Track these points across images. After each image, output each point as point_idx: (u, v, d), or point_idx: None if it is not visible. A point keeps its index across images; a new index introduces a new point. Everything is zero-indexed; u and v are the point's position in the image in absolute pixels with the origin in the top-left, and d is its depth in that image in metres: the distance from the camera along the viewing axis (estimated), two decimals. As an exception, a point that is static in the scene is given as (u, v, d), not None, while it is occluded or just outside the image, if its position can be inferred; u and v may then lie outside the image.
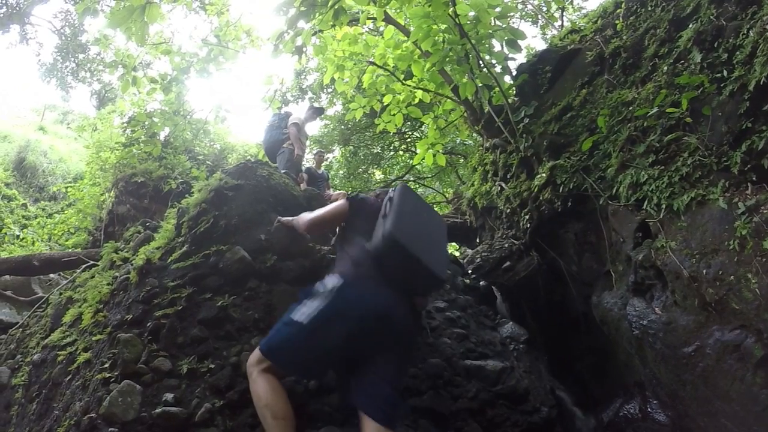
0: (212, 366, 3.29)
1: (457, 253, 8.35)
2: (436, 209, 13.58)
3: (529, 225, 5.52)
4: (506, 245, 5.69)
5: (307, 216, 3.76)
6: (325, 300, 3.10)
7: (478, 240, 7.48)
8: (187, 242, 4.00)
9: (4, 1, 18.01)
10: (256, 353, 3.10)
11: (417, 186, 13.98)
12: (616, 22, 5.61)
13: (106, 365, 3.32)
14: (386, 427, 2.97)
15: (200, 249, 3.89)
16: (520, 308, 5.44)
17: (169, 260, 3.90)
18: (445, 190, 13.64)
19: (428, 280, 3.32)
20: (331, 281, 3.18)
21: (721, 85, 3.87)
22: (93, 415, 3.05)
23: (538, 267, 5.45)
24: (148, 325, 3.47)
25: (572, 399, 4.51)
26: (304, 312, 3.09)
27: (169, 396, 3.12)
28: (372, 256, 3.25)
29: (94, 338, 3.74)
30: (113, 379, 3.21)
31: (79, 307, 4.36)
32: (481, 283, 5.19)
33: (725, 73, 3.89)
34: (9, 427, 4.37)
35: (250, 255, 3.77)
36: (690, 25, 4.44)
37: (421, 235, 3.36)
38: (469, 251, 6.68)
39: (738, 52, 3.85)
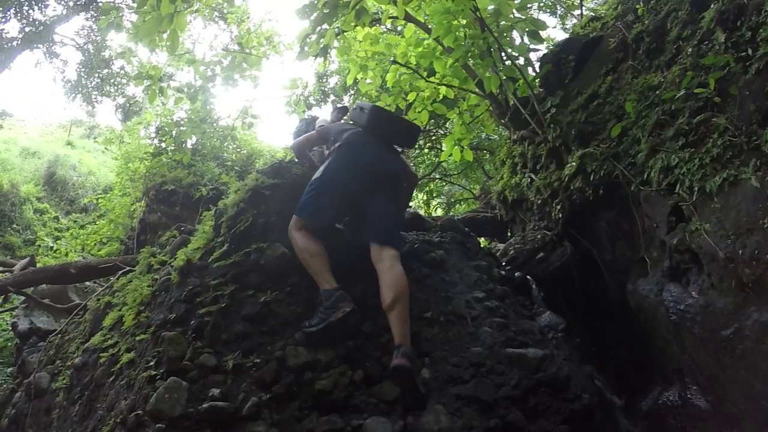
0: (257, 360, 3.35)
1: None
2: (463, 206, 13.62)
3: (560, 215, 5.49)
4: (539, 236, 5.67)
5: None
6: (330, 156, 4.22)
7: (509, 233, 7.46)
8: (226, 241, 4.08)
9: (30, 20, 18.32)
10: (293, 220, 3.89)
11: (444, 184, 13.96)
12: (637, 6, 5.56)
13: (151, 363, 3.39)
14: (385, 245, 3.81)
15: (240, 247, 3.98)
16: (555, 298, 5.42)
17: (210, 259, 3.99)
18: (472, 186, 13.59)
19: (409, 130, 4.64)
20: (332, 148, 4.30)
21: (747, 63, 3.84)
22: (139, 412, 3.12)
23: (571, 257, 5.41)
24: (192, 323, 3.54)
25: (610, 388, 4.50)
26: (318, 172, 4.10)
27: (215, 391, 3.18)
28: (361, 130, 4.33)
29: (137, 338, 3.82)
30: (159, 377, 3.27)
31: (119, 310, 4.45)
32: (516, 274, 5.19)
33: (750, 51, 3.85)
34: (50, 430, 4.46)
35: (290, 251, 3.85)
36: (712, 6, 4.40)
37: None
38: (500, 245, 6.67)
39: (761, 30, 3.80)
